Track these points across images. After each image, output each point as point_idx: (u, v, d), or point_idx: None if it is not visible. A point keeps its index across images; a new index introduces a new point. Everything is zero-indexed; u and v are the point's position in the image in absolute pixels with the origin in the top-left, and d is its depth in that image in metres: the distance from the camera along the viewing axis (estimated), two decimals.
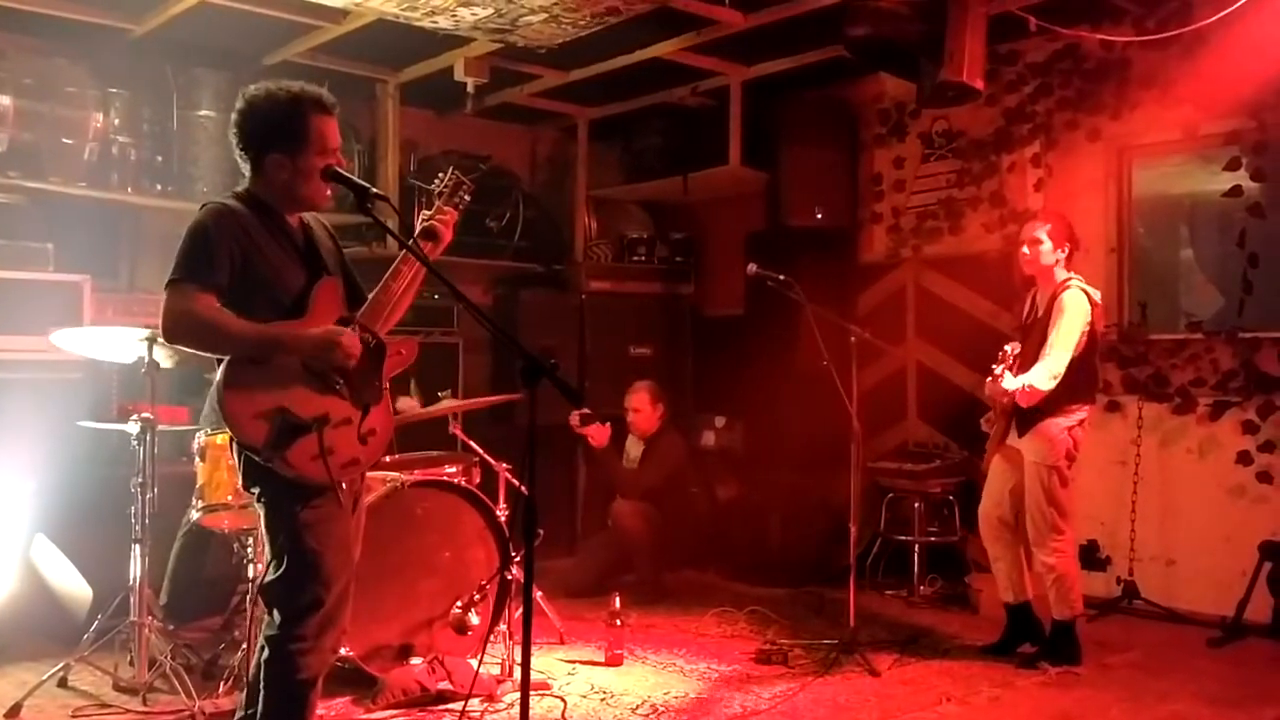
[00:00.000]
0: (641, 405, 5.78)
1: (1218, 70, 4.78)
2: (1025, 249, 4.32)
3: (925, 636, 4.72)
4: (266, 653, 2.66)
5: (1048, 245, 4.26)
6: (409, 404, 4.79)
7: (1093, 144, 5.37)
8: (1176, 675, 4.17)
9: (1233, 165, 4.90)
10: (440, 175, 3.00)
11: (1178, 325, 5.28)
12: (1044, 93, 5.48)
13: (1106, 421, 5.19)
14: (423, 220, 2.90)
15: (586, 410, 5.56)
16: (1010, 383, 4.10)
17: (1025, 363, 4.21)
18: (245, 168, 2.75)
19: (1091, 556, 5.23)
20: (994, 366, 4.16)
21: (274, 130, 2.68)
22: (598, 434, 5.60)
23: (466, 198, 2.99)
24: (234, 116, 2.72)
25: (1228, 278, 5.08)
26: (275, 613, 2.66)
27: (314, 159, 2.69)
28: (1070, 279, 4.26)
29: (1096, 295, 4.27)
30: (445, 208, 2.92)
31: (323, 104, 2.72)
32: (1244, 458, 4.86)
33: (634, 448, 5.88)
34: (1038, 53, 5.49)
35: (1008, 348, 4.18)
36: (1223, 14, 4.23)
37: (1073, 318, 4.14)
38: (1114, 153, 5.41)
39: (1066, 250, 4.29)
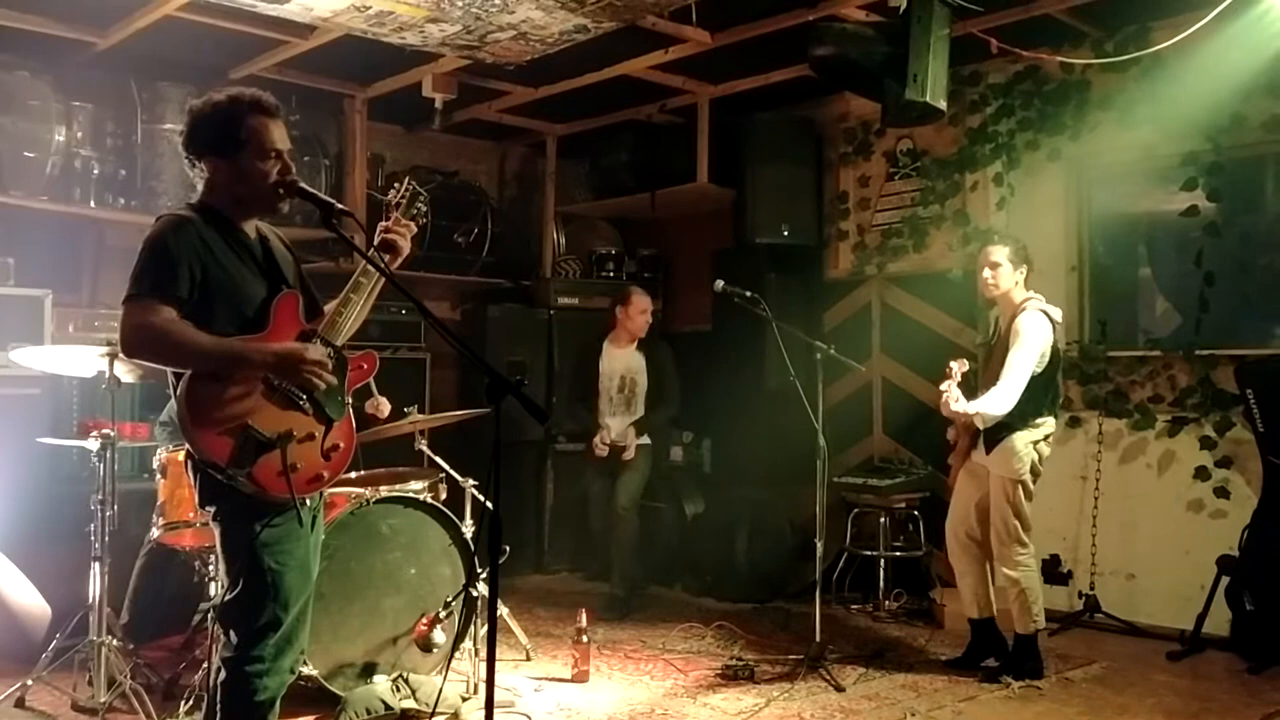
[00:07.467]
0: (648, 306, 5.65)
1: (1174, 93, 4.89)
2: (986, 273, 4.34)
3: (890, 651, 4.74)
4: (223, 674, 2.60)
5: (1007, 268, 4.31)
6: (382, 403, 4.74)
7: (1053, 164, 5.46)
8: (1136, 689, 4.22)
9: (1189, 186, 4.98)
10: (396, 186, 2.97)
11: (1137, 342, 5.37)
12: (1006, 113, 5.56)
13: (1067, 437, 5.25)
14: (379, 232, 2.85)
15: None
16: (961, 406, 4.12)
17: (988, 382, 4.25)
18: (197, 179, 2.73)
19: (1053, 570, 5.29)
20: (941, 385, 4.16)
21: (211, 134, 2.66)
22: None
23: (423, 208, 2.96)
24: (181, 128, 2.73)
25: (1185, 296, 5.16)
26: (232, 634, 2.60)
27: (254, 161, 2.65)
28: (1029, 299, 4.30)
29: (1057, 314, 4.31)
30: (402, 219, 2.89)
31: (261, 105, 2.68)
32: (1201, 473, 4.94)
33: (619, 360, 5.61)
34: (999, 74, 5.58)
35: (953, 365, 4.17)
36: (1179, 38, 4.32)
37: (1030, 342, 4.17)
38: (1074, 172, 5.50)
39: (1025, 271, 4.35)
